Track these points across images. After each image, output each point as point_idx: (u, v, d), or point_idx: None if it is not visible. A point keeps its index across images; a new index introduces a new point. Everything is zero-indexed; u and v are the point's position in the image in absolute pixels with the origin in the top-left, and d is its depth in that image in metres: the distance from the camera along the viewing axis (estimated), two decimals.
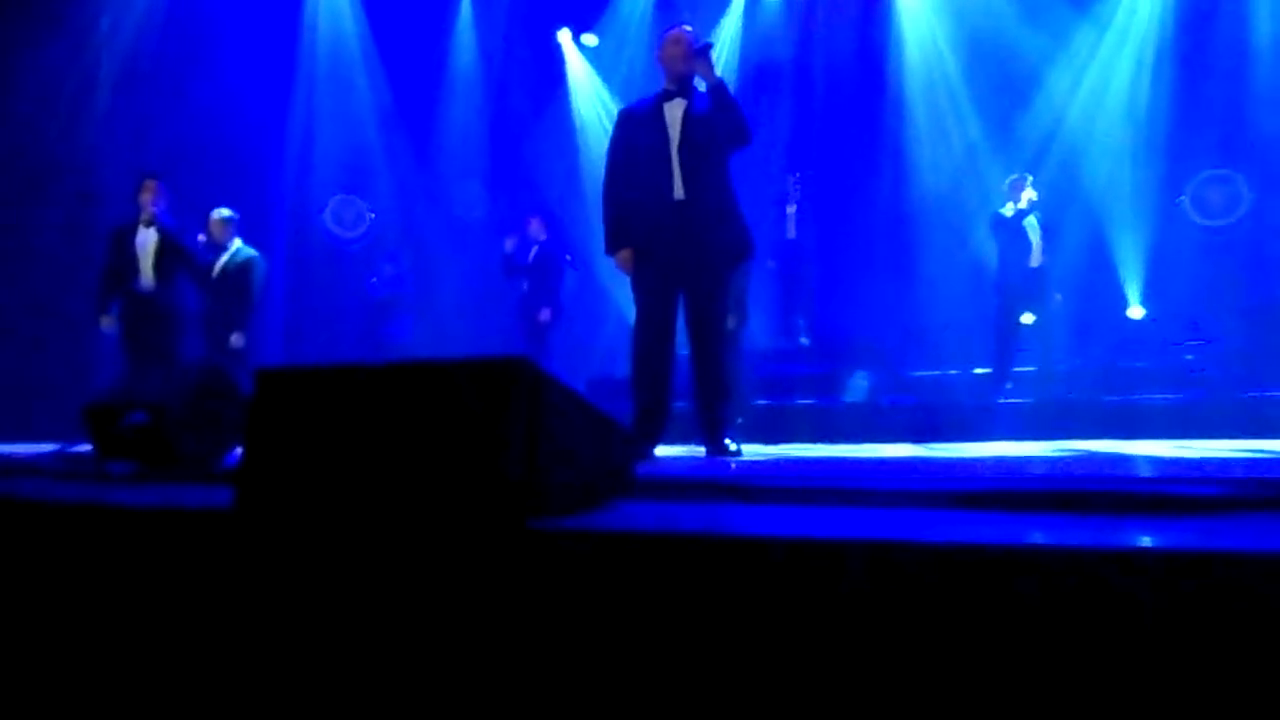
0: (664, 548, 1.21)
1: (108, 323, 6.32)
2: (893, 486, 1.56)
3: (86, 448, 3.36)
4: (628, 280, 4.07)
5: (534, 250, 8.14)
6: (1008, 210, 7.38)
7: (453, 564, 1.33)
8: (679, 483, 1.69)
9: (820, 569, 1.11)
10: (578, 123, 11.11)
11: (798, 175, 8.74)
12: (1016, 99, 9.29)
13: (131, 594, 1.61)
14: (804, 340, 8.79)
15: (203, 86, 8.60)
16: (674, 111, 3.97)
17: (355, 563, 1.40)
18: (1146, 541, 1.11)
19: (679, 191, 3.91)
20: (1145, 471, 2.39)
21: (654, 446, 3.93)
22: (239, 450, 3.37)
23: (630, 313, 4.13)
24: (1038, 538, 1.20)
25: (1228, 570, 0.98)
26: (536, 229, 8.17)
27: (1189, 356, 7.57)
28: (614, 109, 10.09)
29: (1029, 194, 7.33)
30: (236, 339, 6.80)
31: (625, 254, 4.00)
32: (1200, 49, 8.65)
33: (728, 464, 3.12)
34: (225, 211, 7.01)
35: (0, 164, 7.91)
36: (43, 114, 8.00)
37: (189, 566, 1.60)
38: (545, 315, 8.00)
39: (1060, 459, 3.39)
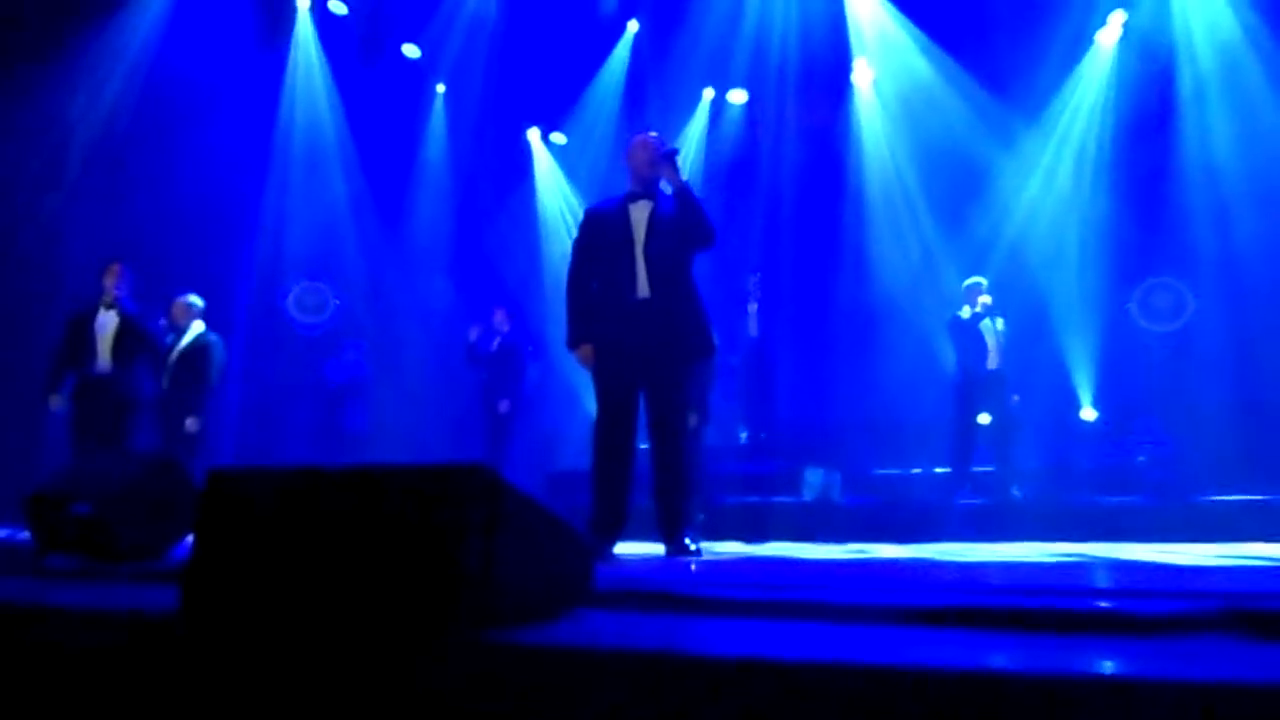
0: (617, 664, 1.18)
1: (56, 402, 6.18)
2: (852, 600, 1.55)
3: (25, 538, 3.25)
4: (589, 374, 4.08)
5: (496, 341, 8.16)
6: (965, 313, 7.54)
7: (405, 676, 1.29)
8: (638, 594, 1.67)
9: (777, 692, 1.09)
10: (542, 218, 11.36)
11: (758, 275, 8.91)
12: (971, 204, 9.62)
13: (70, 703, 1.54)
14: (761, 436, 8.83)
15: (173, 168, 8.61)
16: (639, 212, 4.04)
17: (303, 673, 1.36)
18: (1108, 667, 1.10)
19: (643, 290, 3.96)
20: (1104, 582, 2.40)
21: (613, 544, 3.89)
22: (187, 544, 3.29)
23: (593, 406, 4.13)
24: (997, 661, 1.20)
25: (1185, 700, 0.98)
26: (500, 320, 8.21)
27: (1141, 459, 7.71)
28: (578, 206, 10.36)
29: (984, 298, 7.50)
30: (191, 424, 6.68)
31: (586, 349, 4.02)
32: (1140, 159, 9.04)
33: (687, 566, 3.08)
34: (191, 298, 6.97)
35: None
36: (7, 191, 7.95)
37: (131, 674, 1.53)
38: (505, 406, 7.98)
39: (1018, 565, 3.39)
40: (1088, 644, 1.30)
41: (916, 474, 8.14)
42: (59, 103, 8.38)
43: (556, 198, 11.38)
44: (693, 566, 3.20)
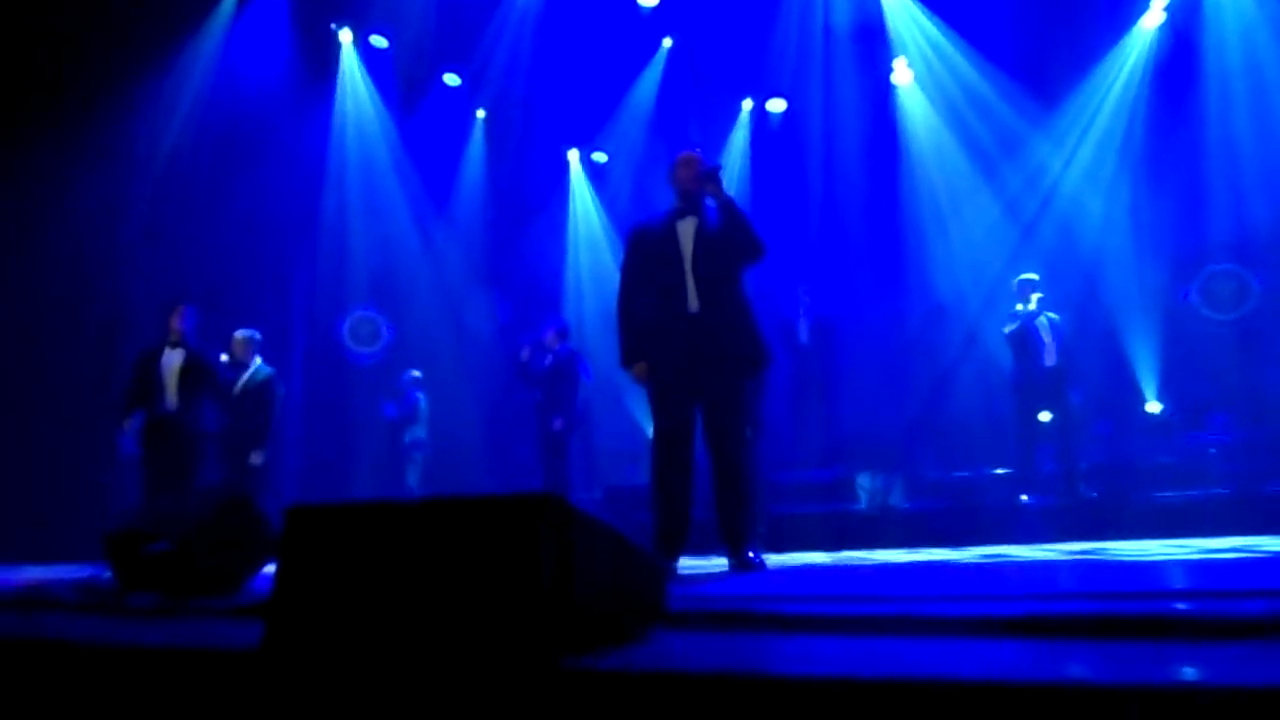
0: (699, 689, 1.19)
1: (128, 427, 6.34)
2: (927, 612, 1.54)
3: (108, 577, 3.35)
4: (644, 392, 4.10)
5: (549, 360, 8.21)
6: (1019, 310, 7.44)
7: (485, 705, 1.31)
8: (712, 613, 1.68)
9: (861, 713, 1.09)
10: (582, 237, 11.50)
11: (805, 287, 8.88)
12: (1021, 199, 9.49)
13: None
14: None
15: (228, 202, 8.85)
16: (686, 228, 4.06)
17: (386, 706, 1.39)
18: (1190, 674, 1.09)
19: (694, 304, 3.97)
20: (1181, 582, 2.35)
21: (676, 560, 3.89)
22: (263, 573, 3.37)
23: (647, 422, 4.15)
24: (1076, 670, 1.19)
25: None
26: (552, 339, 8.26)
27: (1210, 450, 7.52)
28: (610, 227, 10.52)
29: (1037, 294, 7.39)
30: (256, 457, 6.84)
31: (641, 367, 4.05)
32: (1190, 144, 8.84)
33: (754, 583, 3.08)
34: (248, 331, 7.14)
35: (31, 289, 8.10)
36: (75, 240, 8.22)
37: (216, 711, 1.58)
38: (559, 424, 8.01)
39: (1087, 565, 3.33)
40: (1169, 650, 1.28)
41: (978, 475, 8.02)
42: (120, 140, 8.66)
43: (596, 217, 11.52)
44: (759, 581, 3.19)
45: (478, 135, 11.26)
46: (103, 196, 8.51)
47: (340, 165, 10.30)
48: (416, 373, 9.83)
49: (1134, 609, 1.53)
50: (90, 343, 8.16)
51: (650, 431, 4.11)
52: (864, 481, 7.62)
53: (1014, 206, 9.52)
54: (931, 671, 1.16)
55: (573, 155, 11.62)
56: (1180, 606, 1.60)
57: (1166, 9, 8.96)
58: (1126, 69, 9.29)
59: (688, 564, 4.14)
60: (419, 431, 9.55)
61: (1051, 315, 7.41)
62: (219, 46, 9.22)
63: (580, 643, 1.35)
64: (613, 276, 10.09)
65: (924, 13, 9.76)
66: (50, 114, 8.09)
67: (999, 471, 7.81)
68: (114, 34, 8.14)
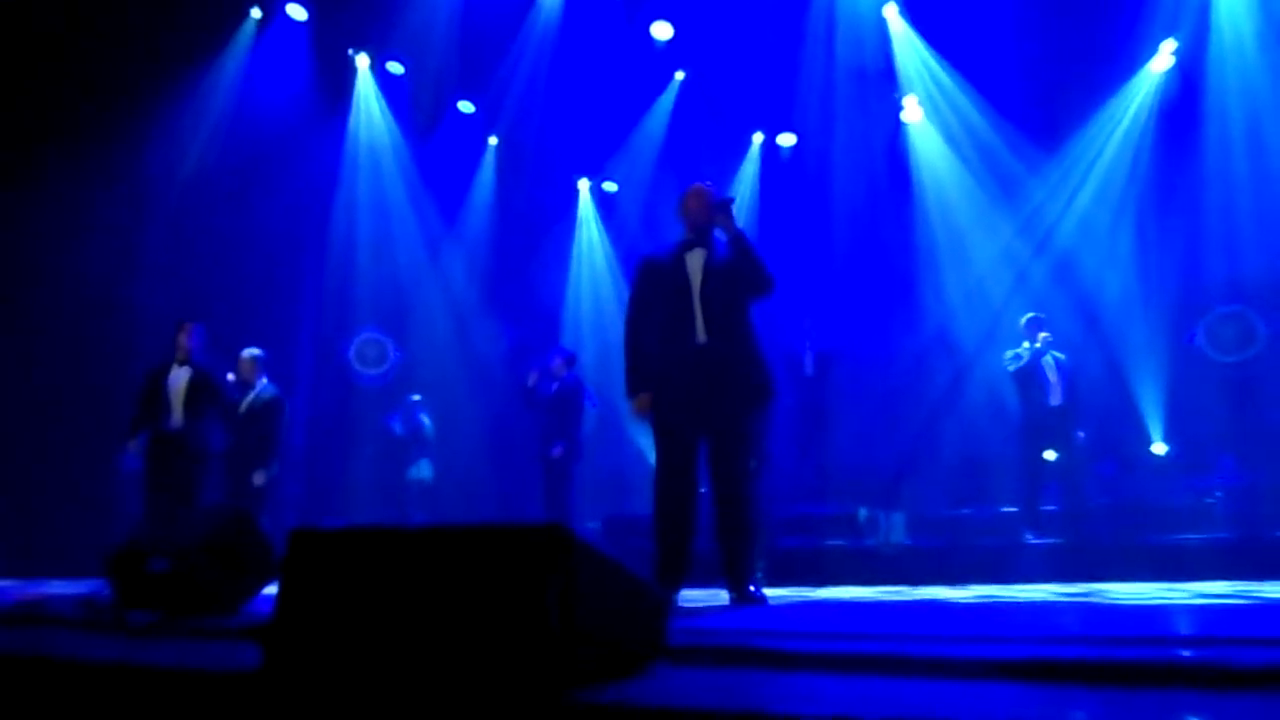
0: None
1: (134, 447, 6.32)
2: (930, 653, 1.53)
3: (108, 594, 3.34)
4: (648, 422, 4.09)
5: (555, 386, 8.22)
6: (1024, 349, 7.44)
7: None
8: (714, 648, 1.67)
9: None
10: (590, 265, 11.57)
11: (811, 320, 8.91)
12: (1028, 238, 9.53)
13: None
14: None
15: (239, 222, 8.92)
16: (695, 260, 4.07)
17: None
18: None
19: (701, 336, 3.97)
20: (1187, 628, 2.33)
21: (677, 592, 3.87)
22: (262, 595, 3.36)
23: (650, 450, 4.14)
24: (1079, 718, 1.18)
25: None
26: (560, 366, 8.27)
27: (1216, 493, 7.48)
28: (613, 256, 10.60)
29: (1044, 334, 7.39)
30: (259, 477, 6.84)
31: (644, 398, 4.04)
32: (1196, 184, 8.87)
33: (755, 617, 3.06)
34: (254, 351, 7.16)
35: (43, 307, 8.15)
36: (87, 259, 8.27)
37: None
38: (558, 451, 7.99)
39: (1094, 607, 3.31)
40: (1176, 699, 1.27)
41: (982, 513, 7.99)
42: (136, 161, 8.74)
43: (601, 247, 11.62)
44: (760, 617, 3.17)
45: (489, 162, 11.35)
46: (117, 216, 8.58)
47: (351, 189, 10.38)
48: (417, 396, 9.85)
49: (1138, 655, 1.52)
50: (99, 360, 8.20)
51: (652, 461, 4.10)
52: (869, 517, 7.59)
53: (1017, 245, 9.55)
54: (931, 714, 1.15)
55: (583, 184, 11.71)
56: (1185, 654, 1.59)
57: (1175, 53, 9.02)
58: (1131, 111, 9.36)
59: (688, 595, 4.12)
60: (423, 457, 9.56)
61: (1058, 354, 7.41)
62: (238, 70, 9.35)
63: (582, 674, 1.35)
64: (615, 307, 10.16)
65: (931, 54, 9.85)
66: (68, 134, 8.17)
67: (1003, 510, 7.78)
68: (134, 56, 8.24)
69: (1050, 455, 7.33)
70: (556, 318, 11.37)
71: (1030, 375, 7.37)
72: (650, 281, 4.16)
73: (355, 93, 10.35)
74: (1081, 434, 7.45)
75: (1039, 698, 1.29)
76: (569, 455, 8.01)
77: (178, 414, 6.33)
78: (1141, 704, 1.24)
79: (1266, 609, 3.11)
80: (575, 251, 11.73)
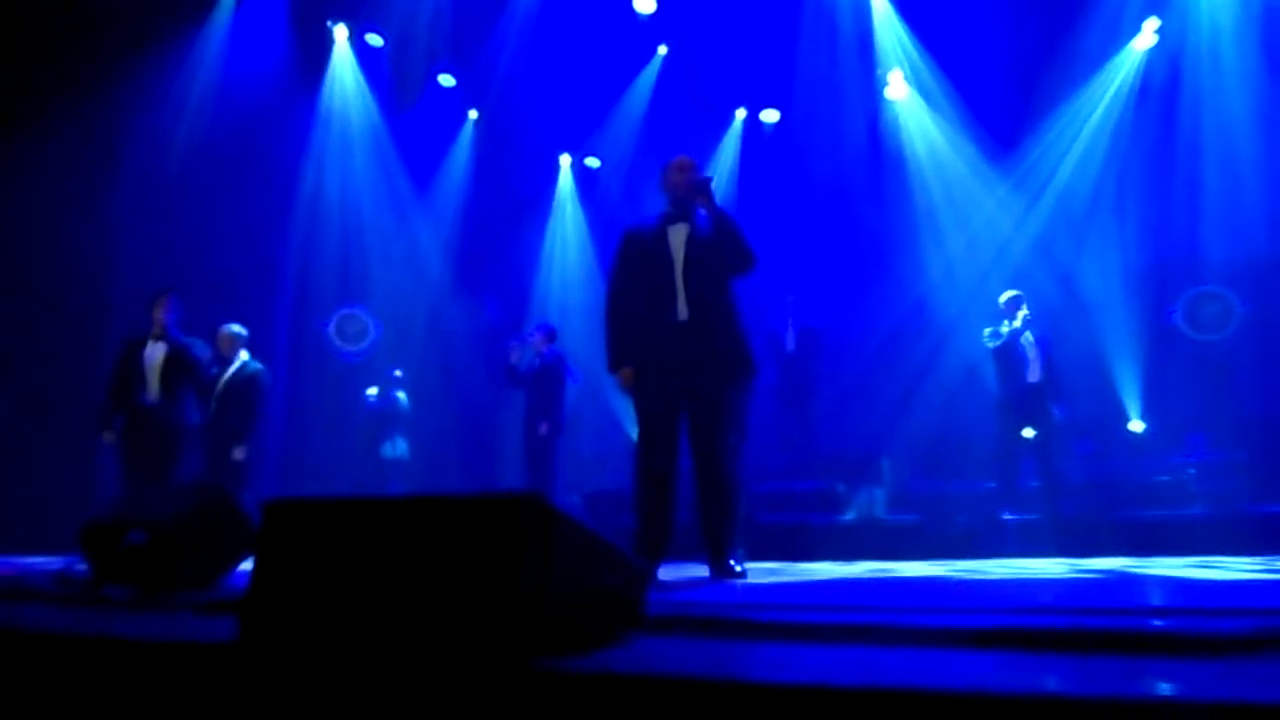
0: (674, 692, 1.19)
1: (110, 436, 6.31)
2: (903, 623, 1.54)
3: (84, 568, 3.32)
4: (630, 397, 4.08)
5: (536, 362, 8.19)
6: (1004, 328, 7.46)
7: (458, 703, 1.30)
8: (689, 619, 1.68)
9: (836, 718, 1.09)
10: (570, 240, 11.53)
11: (793, 296, 8.92)
12: (1009, 214, 9.55)
13: None
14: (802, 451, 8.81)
15: (216, 196, 8.81)
16: (677, 235, 4.06)
17: (360, 702, 1.38)
18: (1166, 689, 1.09)
19: (683, 312, 3.96)
20: (1159, 599, 2.36)
21: (657, 566, 3.88)
22: (239, 571, 3.34)
23: (632, 426, 4.13)
24: (1052, 683, 1.19)
25: None
26: (540, 341, 8.24)
27: (1191, 471, 7.57)
28: (594, 229, 10.55)
29: (1023, 311, 7.42)
30: (238, 453, 6.78)
31: (627, 372, 4.03)
32: (1179, 164, 8.92)
33: (735, 591, 3.08)
34: (235, 327, 7.08)
35: (12, 276, 8.03)
36: (59, 231, 8.16)
37: (190, 704, 1.57)
38: (544, 428, 7.99)
39: (1067, 582, 3.34)
40: (1146, 665, 1.28)
41: (961, 489, 8.04)
42: (108, 132, 8.59)
43: (582, 222, 11.58)
44: (739, 590, 3.19)
45: (467, 136, 11.24)
46: (91, 189, 8.44)
47: (325, 162, 10.25)
48: (399, 372, 9.81)
49: (1111, 624, 1.54)
50: (73, 334, 8.10)
51: (634, 436, 4.10)
52: (848, 492, 7.63)
53: (998, 221, 9.57)
54: (908, 681, 1.16)
55: (564, 160, 11.63)
56: (1156, 623, 1.61)
57: (1158, 31, 9.04)
58: (1113, 89, 9.37)
59: (669, 570, 4.13)
60: (398, 434, 9.53)
61: (1037, 332, 7.44)
62: (215, 42, 9.18)
63: (555, 644, 1.35)
64: (595, 282, 10.13)
65: (911, 32, 9.83)
66: (36, 104, 8.02)
67: (981, 486, 7.83)
68: (110, 27, 8.09)
69: (1028, 432, 7.37)
70: (540, 292, 11.32)
71: (1009, 353, 7.39)
72: (632, 255, 4.13)
73: (330, 64, 10.20)
74: (1059, 411, 7.50)
75: (1013, 664, 1.30)
76: (553, 432, 8.01)
77: (153, 389, 6.26)
78: (1113, 670, 1.25)
79: (1234, 583, 3.16)
80: (554, 226, 11.67)
